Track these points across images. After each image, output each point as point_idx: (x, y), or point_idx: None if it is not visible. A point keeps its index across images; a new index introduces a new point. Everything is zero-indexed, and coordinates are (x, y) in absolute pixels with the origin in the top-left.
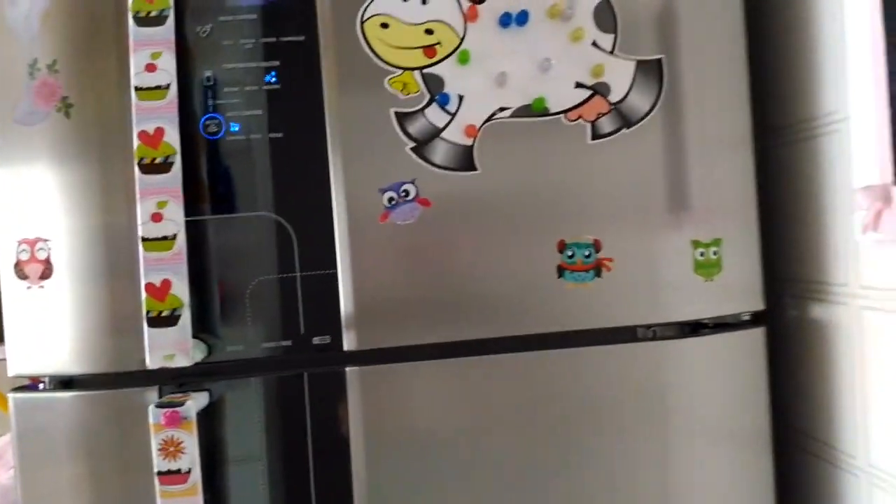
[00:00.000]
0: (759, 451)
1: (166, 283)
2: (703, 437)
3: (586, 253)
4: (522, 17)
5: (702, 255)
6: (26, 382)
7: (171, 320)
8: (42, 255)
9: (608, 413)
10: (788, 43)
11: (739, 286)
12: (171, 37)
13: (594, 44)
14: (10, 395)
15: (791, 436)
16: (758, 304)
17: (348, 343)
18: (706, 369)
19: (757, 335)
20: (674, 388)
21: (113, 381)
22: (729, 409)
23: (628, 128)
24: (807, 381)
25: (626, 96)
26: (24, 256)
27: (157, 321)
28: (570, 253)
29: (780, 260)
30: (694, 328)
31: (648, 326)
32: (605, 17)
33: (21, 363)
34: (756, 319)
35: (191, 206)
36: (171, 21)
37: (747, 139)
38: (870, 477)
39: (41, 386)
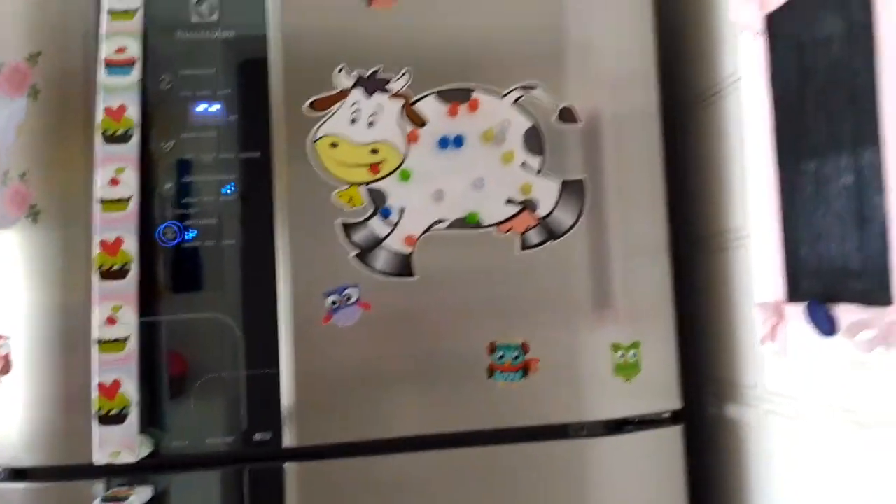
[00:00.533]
0: None
1: (116, 383)
2: None
3: (515, 354)
4: (459, 141)
5: (621, 356)
6: None
7: (119, 419)
8: (2, 352)
9: None
10: (705, 160)
11: (657, 386)
12: (136, 154)
13: (523, 164)
14: None
15: None
16: (675, 404)
17: (288, 439)
18: (627, 465)
19: (675, 432)
20: (596, 484)
21: (63, 473)
22: (649, 501)
23: (554, 239)
24: (724, 474)
25: (552, 211)
26: None
27: (106, 419)
28: (500, 354)
29: (702, 359)
30: (619, 425)
31: (579, 424)
32: (534, 142)
33: None
34: (675, 417)
35: (146, 306)
36: (135, 139)
37: (663, 249)
38: None
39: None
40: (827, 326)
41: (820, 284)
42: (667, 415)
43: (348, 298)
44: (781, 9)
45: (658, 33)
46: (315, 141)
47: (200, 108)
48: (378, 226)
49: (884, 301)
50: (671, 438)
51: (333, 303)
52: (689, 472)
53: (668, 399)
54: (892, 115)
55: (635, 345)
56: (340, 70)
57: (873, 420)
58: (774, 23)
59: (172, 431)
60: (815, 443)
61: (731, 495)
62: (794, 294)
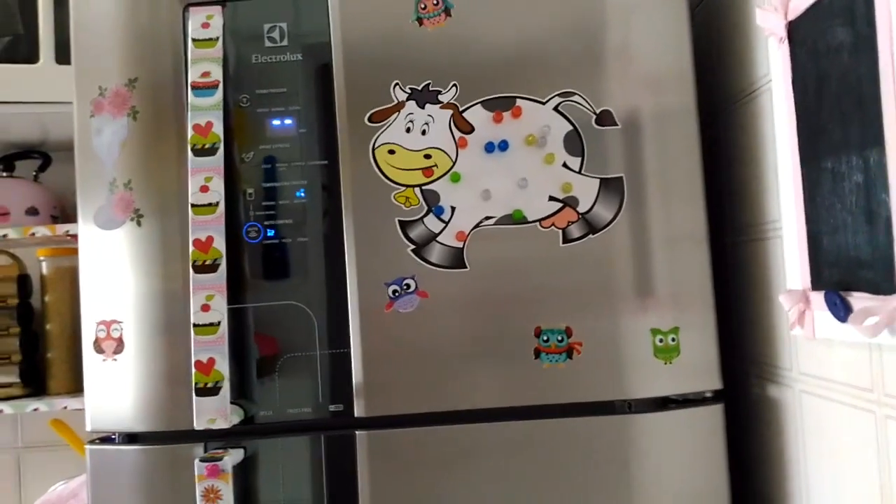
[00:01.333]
0: None
1: (211, 361)
2: (668, 502)
3: (559, 338)
4: (504, 145)
5: (661, 341)
6: (101, 436)
7: (214, 391)
8: (116, 334)
9: (580, 478)
10: (745, 155)
11: (697, 368)
12: (221, 165)
13: (564, 165)
14: (87, 447)
15: (753, 502)
16: (715, 384)
17: (358, 410)
18: (670, 440)
19: (716, 411)
20: (640, 458)
21: (168, 437)
22: (691, 477)
23: (594, 233)
24: (763, 451)
25: (591, 208)
26: (102, 335)
27: (202, 391)
28: (545, 338)
29: (745, 342)
30: (664, 403)
31: (625, 401)
32: (574, 144)
33: (96, 421)
34: (716, 397)
35: (234, 296)
36: (220, 152)
37: (703, 239)
38: None
39: (115, 439)
40: (842, 313)
41: (838, 273)
42: (708, 394)
43: (407, 287)
44: (801, 17)
45: (695, 35)
46: (375, 149)
47: (275, 122)
48: (432, 223)
49: (888, 290)
50: (712, 416)
51: (394, 292)
52: (731, 449)
53: (708, 380)
54: (893, 120)
55: (674, 330)
56: (395, 85)
57: (889, 401)
58: (795, 30)
59: (260, 403)
60: (842, 422)
61: (770, 471)
62: (817, 282)
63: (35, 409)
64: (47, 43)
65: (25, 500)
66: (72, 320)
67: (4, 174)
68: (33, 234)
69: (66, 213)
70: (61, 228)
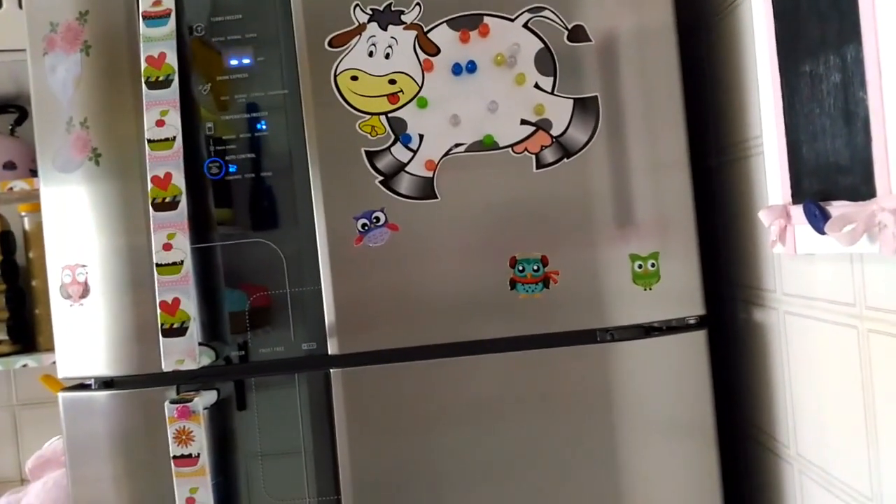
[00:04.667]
0: (703, 442)
1: (176, 301)
2: (652, 430)
3: (535, 267)
4: (472, 66)
5: (640, 267)
6: (73, 384)
7: (181, 331)
8: (81, 278)
9: (561, 409)
10: (726, 70)
11: (679, 294)
12: (176, 97)
13: (536, 86)
14: (59, 394)
15: (741, 426)
16: (698, 310)
17: (332, 348)
18: (654, 368)
19: (700, 337)
20: (624, 386)
21: (142, 381)
22: (675, 404)
23: (568, 157)
24: (750, 376)
25: (565, 130)
26: (67, 279)
27: (169, 332)
28: (520, 268)
29: (730, 266)
30: (647, 331)
31: (607, 329)
32: (545, 63)
33: (68, 367)
34: (700, 323)
35: (199, 235)
36: (175, 84)
37: (683, 162)
38: (800, 465)
39: (92, 385)
40: (821, 224)
41: (818, 183)
42: (692, 320)
43: (377, 221)
44: None
45: None
46: (336, 75)
47: (232, 52)
48: (400, 152)
49: (868, 195)
50: (696, 343)
51: (363, 225)
52: (717, 375)
53: (691, 305)
54: (869, 12)
55: (654, 255)
56: (355, 6)
57: (871, 314)
58: None
59: (231, 344)
60: (825, 340)
61: (756, 396)
62: (797, 195)
63: (24, 365)
64: None
65: (23, 456)
66: None
67: None
68: (11, 188)
69: None
70: (39, 183)
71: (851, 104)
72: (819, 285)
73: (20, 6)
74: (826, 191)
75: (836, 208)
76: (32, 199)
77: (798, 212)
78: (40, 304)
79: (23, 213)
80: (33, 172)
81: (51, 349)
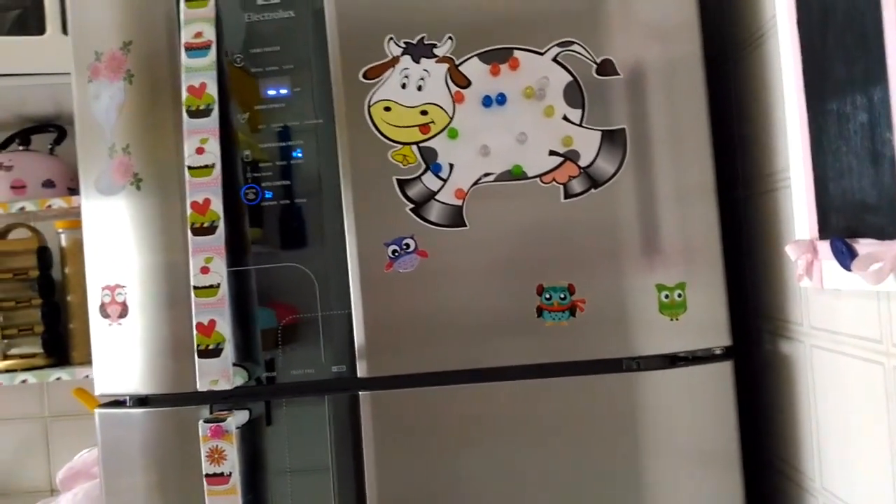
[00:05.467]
0: (728, 472)
1: (212, 323)
2: (677, 460)
3: (562, 295)
4: (501, 99)
5: (666, 297)
6: (110, 401)
7: (216, 353)
8: (120, 298)
9: (586, 436)
10: (755, 103)
11: (705, 324)
12: (216, 126)
13: (564, 118)
14: (97, 411)
15: (767, 458)
16: (724, 340)
17: (361, 371)
18: (679, 398)
19: (726, 367)
20: (649, 415)
21: (176, 399)
22: (700, 434)
23: (596, 188)
24: (776, 408)
25: (593, 161)
26: (107, 299)
27: (204, 353)
28: (547, 296)
29: (757, 298)
30: (673, 361)
31: (633, 358)
32: (574, 96)
33: (105, 385)
34: (726, 353)
35: (234, 258)
36: (215, 113)
37: (710, 192)
38: (825, 499)
39: (127, 402)
40: (848, 261)
41: (845, 220)
42: (718, 351)
43: (407, 247)
44: None
45: None
46: (370, 106)
47: (270, 82)
48: (430, 181)
49: (894, 234)
50: (722, 374)
51: (394, 252)
52: (742, 406)
53: (717, 336)
54: (895, 53)
55: (680, 285)
56: (389, 40)
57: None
58: None
59: (264, 366)
60: (852, 375)
61: (781, 428)
62: (824, 230)
63: (58, 379)
64: (53, 14)
65: (54, 467)
66: None
67: (21, 148)
68: (50, 206)
69: None
70: (77, 201)
71: (878, 144)
72: (845, 320)
73: (63, 31)
74: (853, 228)
75: (863, 246)
76: (70, 216)
77: (825, 247)
78: (75, 318)
79: (60, 230)
80: (71, 191)
81: (84, 363)
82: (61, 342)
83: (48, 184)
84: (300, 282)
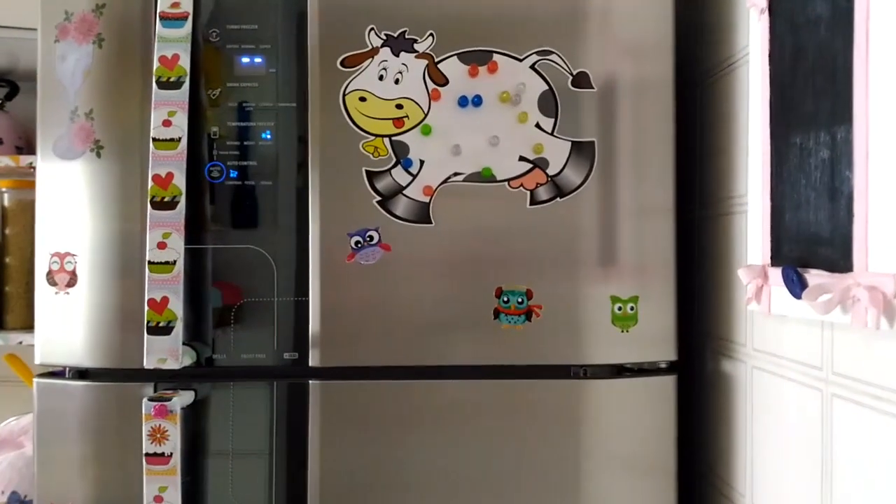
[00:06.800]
0: (664, 481)
1: (165, 300)
2: (615, 466)
3: (519, 300)
4: (477, 100)
5: (619, 309)
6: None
7: (166, 330)
8: (69, 267)
9: (530, 437)
10: (719, 127)
11: (654, 338)
12: (185, 99)
13: (537, 125)
14: (35, 380)
15: (702, 471)
16: (670, 355)
17: (313, 360)
18: (622, 407)
19: (669, 381)
20: (592, 423)
21: (119, 375)
22: (640, 443)
23: (562, 197)
24: (714, 423)
25: (561, 171)
26: (55, 267)
27: (154, 330)
28: (505, 298)
29: (703, 316)
30: (619, 371)
31: (581, 366)
32: (548, 104)
33: (47, 354)
34: (670, 368)
35: (192, 236)
36: (186, 86)
37: (669, 210)
38: None
39: (66, 373)
40: (798, 289)
41: (797, 250)
42: (663, 364)
43: (371, 239)
44: None
45: (677, 4)
46: (345, 94)
47: (244, 60)
48: (400, 175)
49: (845, 268)
50: (665, 387)
51: (357, 243)
52: (683, 420)
53: (663, 350)
54: (862, 97)
55: (634, 299)
56: (371, 30)
57: (836, 380)
58: (776, 2)
59: (214, 347)
60: (790, 398)
61: (717, 443)
62: (776, 258)
63: None
64: None
65: None
66: (32, 255)
67: None
68: None
69: (31, 144)
70: (25, 160)
71: (837, 181)
72: (789, 345)
73: None
74: (805, 258)
75: (814, 276)
76: (15, 175)
77: (776, 274)
78: (12, 281)
79: (3, 189)
80: (19, 150)
81: (19, 329)
82: None
83: None
84: (258, 265)
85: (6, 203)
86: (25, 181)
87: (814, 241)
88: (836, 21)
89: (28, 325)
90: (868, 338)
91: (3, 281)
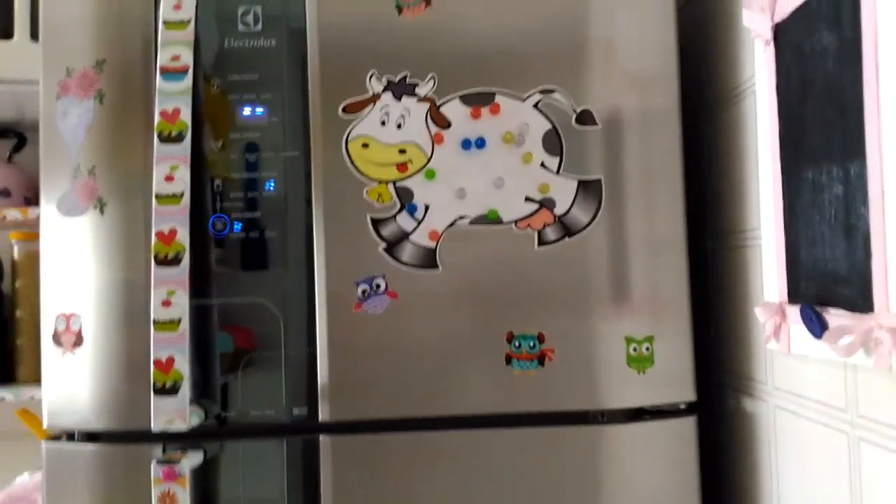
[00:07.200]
0: None
1: (171, 360)
2: None
3: (531, 344)
4: (481, 142)
5: (634, 350)
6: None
7: (173, 391)
8: (75, 327)
9: (549, 487)
10: (727, 159)
11: (671, 378)
12: (187, 153)
13: (542, 165)
14: (43, 444)
15: None
16: (689, 395)
17: (323, 414)
18: (642, 452)
19: (689, 423)
20: (611, 469)
21: (127, 437)
22: (662, 489)
23: (570, 237)
24: (738, 465)
25: (568, 210)
26: (61, 327)
27: (161, 391)
28: (517, 343)
29: (721, 353)
30: (637, 414)
31: (598, 411)
32: (553, 144)
33: (55, 417)
34: (689, 408)
35: (198, 289)
36: (188, 140)
37: (681, 245)
38: None
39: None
40: (818, 329)
41: (815, 287)
42: (682, 405)
43: (377, 287)
44: (788, 19)
45: (681, 34)
46: (348, 141)
47: (246, 110)
48: (405, 221)
49: (865, 308)
50: (686, 428)
51: (364, 291)
52: (704, 461)
53: (682, 391)
54: (874, 132)
55: (649, 338)
56: (371, 76)
57: (862, 423)
58: (782, 32)
59: (221, 404)
60: (815, 440)
61: (742, 485)
62: (794, 295)
63: (1, 399)
64: (22, 18)
65: None
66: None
67: None
68: (4, 217)
69: (39, 195)
70: (33, 212)
71: (852, 217)
72: (811, 385)
73: (32, 37)
74: (823, 296)
75: (833, 316)
76: (24, 227)
77: (794, 312)
78: (23, 334)
79: (13, 241)
80: (27, 201)
81: (30, 382)
82: (7, 359)
83: (4, 193)
84: (265, 317)
85: (15, 255)
86: (34, 233)
87: (831, 278)
88: (843, 53)
89: (40, 379)
90: (894, 381)
91: (14, 334)
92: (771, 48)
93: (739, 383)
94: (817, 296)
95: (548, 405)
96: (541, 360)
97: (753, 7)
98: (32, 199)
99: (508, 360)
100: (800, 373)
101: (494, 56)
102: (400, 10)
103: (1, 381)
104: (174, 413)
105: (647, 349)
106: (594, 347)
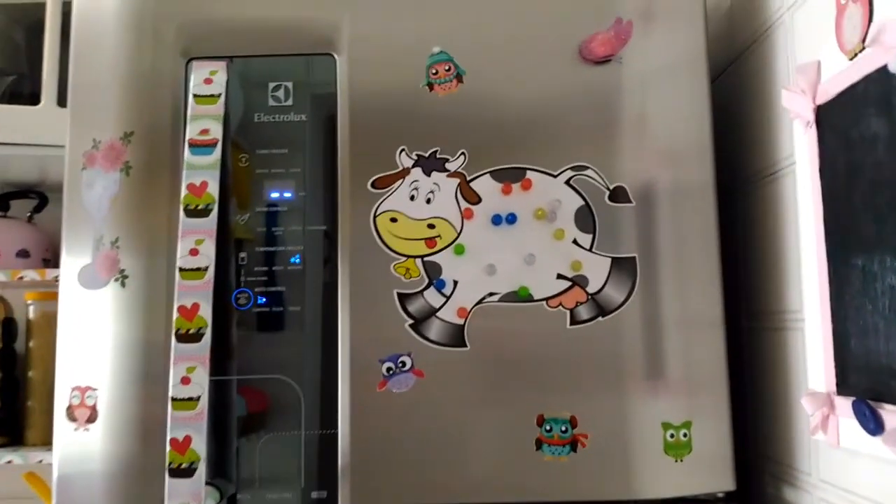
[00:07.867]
0: None
1: (187, 439)
2: None
3: (563, 428)
4: (511, 218)
5: (672, 436)
6: None
7: (189, 472)
8: (90, 402)
9: None
10: (765, 237)
11: (709, 466)
12: (214, 227)
13: (574, 241)
14: None
15: None
16: (728, 484)
17: (343, 499)
18: None
19: None
20: None
21: None
22: None
23: (603, 316)
24: None
25: (602, 288)
26: (76, 401)
27: (176, 472)
28: (548, 427)
29: (760, 437)
30: (673, 503)
31: (634, 501)
32: (585, 220)
33: (64, 494)
34: (729, 497)
35: (218, 365)
36: (214, 214)
37: (718, 325)
38: None
39: None
40: (872, 426)
41: (867, 380)
42: (720, 495)
43: (403, 365)
44: (831, 102)
45: (715, 108)
46: (376, 216)
47: (275, 184)
48: (432, 297)
49: None
50: None
51: (388, 369)
52: None
53: (721, 479)
54: None
55: (686, 424)
56: (401, 151)
57: None
58: (824, 114)
59: (238, 484)
60: None
61: None
62: (843, 386)
63: (8, 462)
64: (50, 85)
65: None
66: (55, 369)
67: None
68: (21, 277)
69: (58, 256)
70: (51, 274)
71: None
72: (862, 482)
73: (59, 103)
74: (876, 390)
75: (890, 413)
76: (41, 287)
77: (844, 405)
78: (34, 396)
79: (29, 302)
80: (46, 262)
81: (38, 445)
82: (16, 421)
83: (22, 253)
84: (285, 395)
85: (31, 315)
86: (50, 293)
87: (887, 373)
88: (894, 141)
89: (48, 442)
90: None
91: (24, 395)
92: (813, 130)
93: (779, 471)
94: (870, 389)
95: (580, 494)
96: (573, 445)
97: (793, 87)
98: (51, 260)
99: (539, 444)
100: (848, 467)
101: (526, 132)
102: (431, 87)
103: (10, 442)
104: (189, 495)
105: (685, 435)
106: (629, 433)
